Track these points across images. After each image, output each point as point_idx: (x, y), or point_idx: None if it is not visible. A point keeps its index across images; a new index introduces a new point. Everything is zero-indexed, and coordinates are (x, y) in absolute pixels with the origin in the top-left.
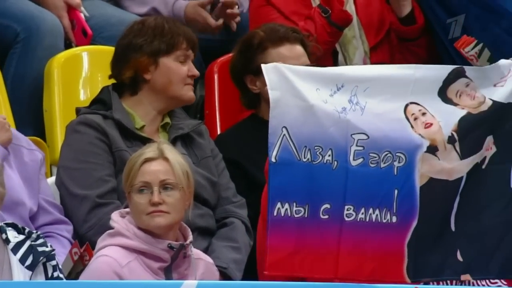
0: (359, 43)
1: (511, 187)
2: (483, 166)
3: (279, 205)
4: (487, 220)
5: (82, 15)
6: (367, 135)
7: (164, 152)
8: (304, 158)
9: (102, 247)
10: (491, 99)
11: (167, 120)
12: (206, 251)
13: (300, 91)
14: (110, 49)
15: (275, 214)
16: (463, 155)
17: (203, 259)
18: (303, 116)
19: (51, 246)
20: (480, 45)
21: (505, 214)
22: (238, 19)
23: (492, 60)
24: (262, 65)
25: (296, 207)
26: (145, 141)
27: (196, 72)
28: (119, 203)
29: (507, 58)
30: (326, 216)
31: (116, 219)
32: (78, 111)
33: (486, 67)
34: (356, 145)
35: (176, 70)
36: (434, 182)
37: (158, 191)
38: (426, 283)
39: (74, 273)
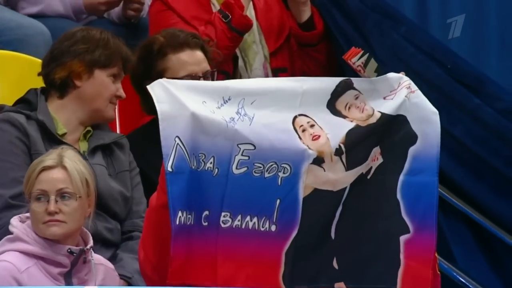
0: (259, 48)
1: (397, 198)
2: (369, 177)
3: (180, 213)
4: (369, 229)
5: None
6: (254, 145)
7: (63, 160)
8: (193, 166)
9: (1, 253)
10: (380, 112)
11: (89, 128)
12: (109, 261)
13: (185, 103)
14: (9, 54)
15: (177, 223)
16: (348, 167)
17: (103, 264)
18: (191, 125)
19: None
20: (366, 55)
21: (388, 223)
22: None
23: (380, 71)
24: (147, 86)
25: (187, 214)
26: None
27: (123, 94)
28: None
29: (405, 63)
30: (206, 223)
31: (16, 224)
32: (1, 108)
33: (375, 78)
34: (242, 155)
35: (107, 85)
36: (318, 193)
37: (55, 200)
38: None
39: None
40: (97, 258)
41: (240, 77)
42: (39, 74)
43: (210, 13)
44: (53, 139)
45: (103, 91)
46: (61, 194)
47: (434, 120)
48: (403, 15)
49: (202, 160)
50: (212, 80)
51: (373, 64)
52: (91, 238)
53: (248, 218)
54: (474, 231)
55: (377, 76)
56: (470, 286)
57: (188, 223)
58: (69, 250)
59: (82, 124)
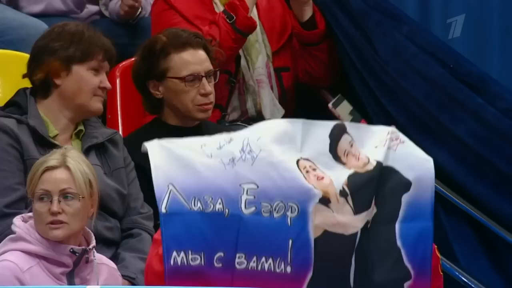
0: (261, 47)
1: (397, 246)
2: (368, 225)
3: (175, 253)
4: (377, 278)
5: None
6: (256, 184)
7: (67, 161)
8: (195, 206)
9: (3, 252)
10: (375, 160)
11: (81, 127)
12: (111, 260)
13: (180, 154)
14: (11, 53)
15: (171, 263)
16: (356, 210)
17: (106, 264)
18: (186, 173)
19: None
20: (338, 96)
21: (392, 272)
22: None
23: (355, 114)
24: (145, 144)
25: (192, 254)
26: None
27: (107, 85)
28: (26, 212)
29: (407, 62)
30: (220, 265)
31: (18, 223)
32: None
33: (364, 126)
34: (247, 194)
35: (88, 79)
36: (330, 235)
37: (58, 200)
38: None
39: None
40: (100, 258)
41: (243, 76)
42: (23, 76)
43: (213, 12)
44: (45, 143)
45: (83, 85)
46: (64, 194)
47: (428, 167)
48: (405, 14)
49: (210, 202)
50: (215, 79)
51: (346, 106)
52: (93, 238)
53: (263, 259)
54: (476, 230)
55: (352, 119)
56: (472, 285)
57: (194, 263)
58: (71, 250)
59: (71, 121)
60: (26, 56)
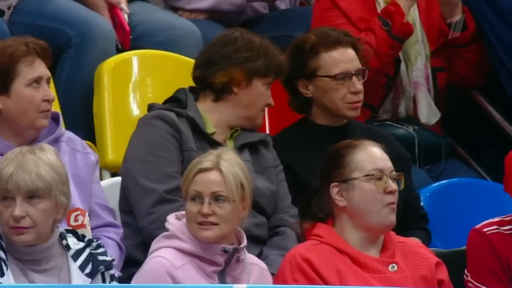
0: (421, 47)
1: None
2: None
3: None
4: None
5: (122, 12)
6: None
7: (220, 163)
8: None
9: (157, 249)
10: None
11: (237, 127)
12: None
13: None
14: (159, 53)
15: None
16: None
17: (257, 264)
18: None
19: (110, 256)
20: None
21: None
22: None
23: None
24: None
25: None
26: (215, 145)
27: (272, 102)
28: (184, 202)
29: None
30: None
31: (172, 221)
32: (151, 106)
33: None
34: None
35: (262, 95)
36: None
37: (209, 202)
38: None
39: None
40: (250, 258)
41: (401, 80)
42: (191, 74)
43: (375, 13)
44: (203, 137)
45: (258, 100)
46: (215, 197)
47: None
48: None
49: None
50: (363, 78)
51: None
52: (245, 237)
53: None
54: None
55: None
56: None
57: None
58: (223, 249)
59: (230, 127)
60: (175, 56)
